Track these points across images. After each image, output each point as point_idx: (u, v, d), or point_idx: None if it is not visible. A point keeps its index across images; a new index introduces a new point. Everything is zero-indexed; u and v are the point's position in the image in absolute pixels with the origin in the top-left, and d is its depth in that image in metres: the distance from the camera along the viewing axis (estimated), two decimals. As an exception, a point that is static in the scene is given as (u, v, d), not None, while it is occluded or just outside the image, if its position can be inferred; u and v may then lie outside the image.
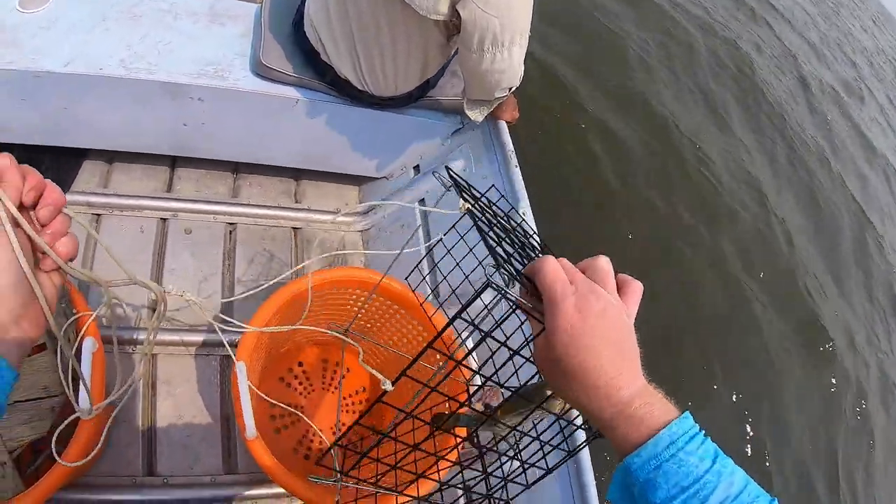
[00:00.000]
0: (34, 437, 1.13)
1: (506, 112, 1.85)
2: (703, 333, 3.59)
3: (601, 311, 0.54)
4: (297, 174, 2.31)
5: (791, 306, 4.17)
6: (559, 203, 3.45)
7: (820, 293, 4.42)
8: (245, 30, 1.84)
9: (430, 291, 1.89)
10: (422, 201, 2.16)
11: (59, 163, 1.91)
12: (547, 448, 0.81)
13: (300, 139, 1.98)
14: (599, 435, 0.66)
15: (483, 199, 0.84)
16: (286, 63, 1.74)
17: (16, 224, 0.55)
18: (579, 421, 0.90)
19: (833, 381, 3.97)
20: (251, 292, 1.29)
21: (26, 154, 1.82)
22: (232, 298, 1.87)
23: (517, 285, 0.65)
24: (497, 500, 0.84)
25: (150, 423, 1.68)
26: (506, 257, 0.66)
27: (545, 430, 0.80)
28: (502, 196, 0.94)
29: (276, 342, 1.71)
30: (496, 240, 0.71)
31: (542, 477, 0.79)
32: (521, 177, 1.83)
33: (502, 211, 0.86)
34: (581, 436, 1.28)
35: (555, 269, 0.57)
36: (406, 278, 1.17)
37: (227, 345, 1.18)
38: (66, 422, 0.97)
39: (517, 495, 0.83)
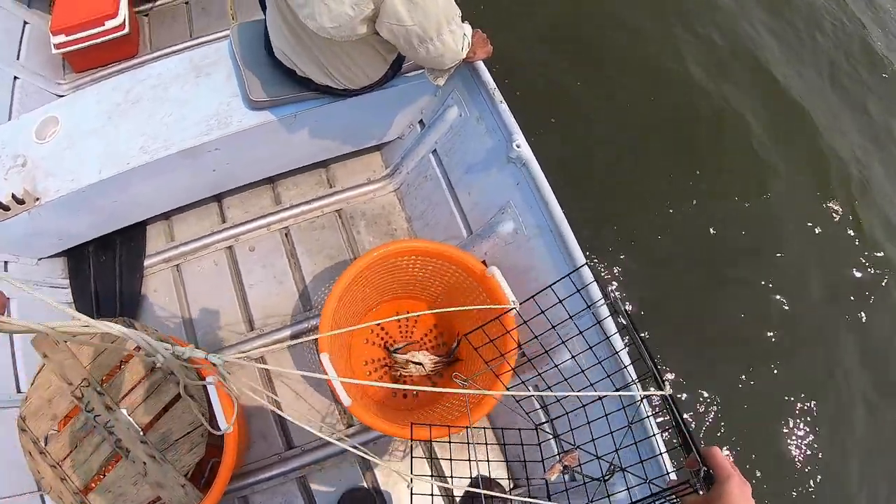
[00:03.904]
0: (197, 458, 1.52)
1: (477, 52, 1.87)
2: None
3: (749, 493, 0.79)
4: (324, 161, 2.49)
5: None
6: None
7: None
8: (228, 71, 1.99)
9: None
10: (434, 152, 2.32)
11: (128, 236, 2.23)
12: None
13: (312, 139, 2.16)
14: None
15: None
16: (273, 90, 1.90)
17: None
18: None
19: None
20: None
21: (98, 241, 2.15)
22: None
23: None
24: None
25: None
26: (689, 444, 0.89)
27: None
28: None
29: (352, 314, 2.00)
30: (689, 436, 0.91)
31: None
32: (508, 110, 1.92)
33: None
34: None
35: (722, 455, 0.83)
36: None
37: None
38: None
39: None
